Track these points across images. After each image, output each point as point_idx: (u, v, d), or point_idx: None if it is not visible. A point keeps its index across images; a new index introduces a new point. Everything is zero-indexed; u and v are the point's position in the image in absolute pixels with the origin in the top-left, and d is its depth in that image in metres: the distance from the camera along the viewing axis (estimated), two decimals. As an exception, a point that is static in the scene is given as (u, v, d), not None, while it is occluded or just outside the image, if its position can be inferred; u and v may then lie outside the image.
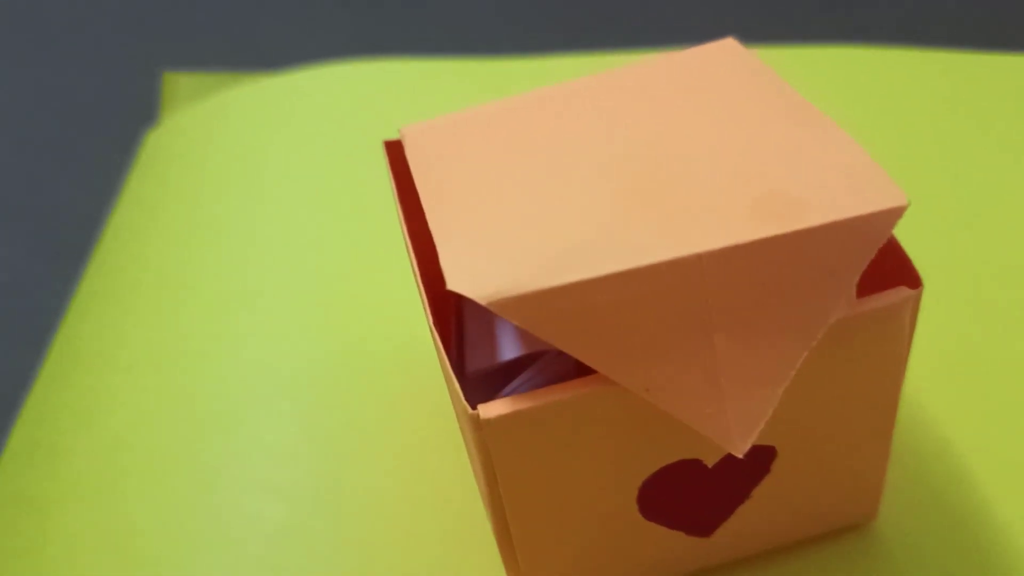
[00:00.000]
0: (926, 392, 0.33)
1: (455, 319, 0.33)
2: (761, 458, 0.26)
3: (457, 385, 0.23)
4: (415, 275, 0.26)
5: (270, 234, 0.43)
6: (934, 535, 0.29)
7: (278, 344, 0.38)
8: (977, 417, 0.32)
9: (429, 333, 0.32)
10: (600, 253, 0.22)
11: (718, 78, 0.27)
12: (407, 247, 0.26)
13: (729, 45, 0.29)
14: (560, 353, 0.30)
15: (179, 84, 0.52)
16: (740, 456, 0.23)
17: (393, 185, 0.28)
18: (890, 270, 0.25)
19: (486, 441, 0.23)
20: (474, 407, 0.23)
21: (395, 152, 0.30)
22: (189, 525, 0.32)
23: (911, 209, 0.40)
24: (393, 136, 0.47)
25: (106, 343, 0.40)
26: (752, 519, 0.27)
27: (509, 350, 0.31)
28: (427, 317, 0.25)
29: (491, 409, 0.22)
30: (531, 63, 0.51)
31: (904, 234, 0.39)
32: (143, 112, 0.53)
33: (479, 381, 0.32)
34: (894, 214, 0.22)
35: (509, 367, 0.32)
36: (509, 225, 0.23)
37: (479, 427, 0.23)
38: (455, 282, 0.22)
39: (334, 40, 0.58)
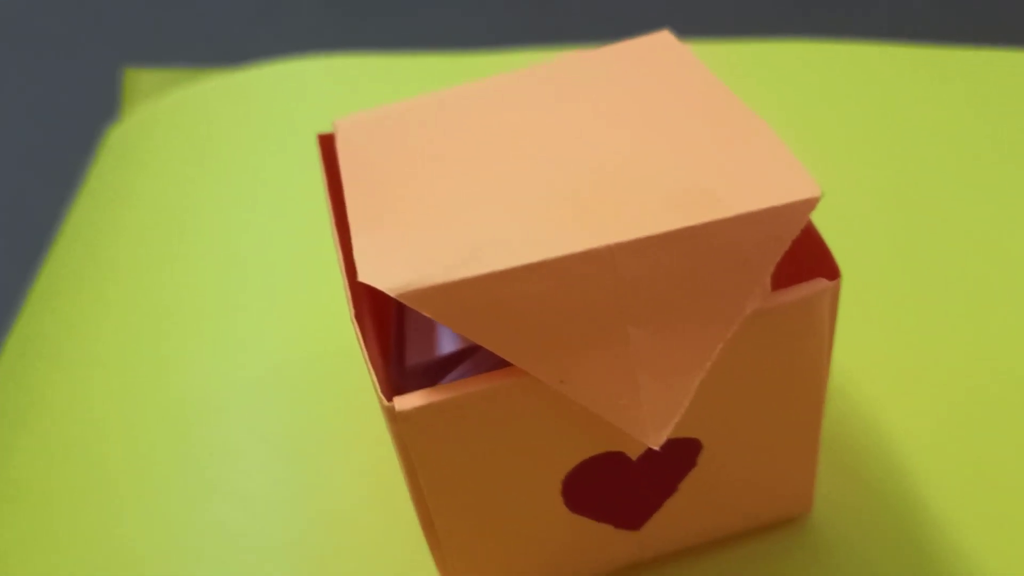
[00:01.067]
0: (859, 384, 0.33)
1: (395, 314, 0.33)
2: (685, 451, 0.26)
3: (375, 378, 0.23)
4: (341, 268, 0.26)
5: (230, 231, 0.43)
6: (870, 527, 0.29)
7: (233, 345, 0.38)
8: (910, 408, 0.32)
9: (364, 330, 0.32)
10: (514, 245, 0.22)
11: (647, 71, 0.27)
12: (334, 240, 0.26)
13: (663, 38, 0.29)
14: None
15: (140, 80, 0.52)
16: (657, 448, 0.23)
17: (324, 178, 0.28)
18: (810, 262, 0.25)
19: (402, 433, 0.23)
20: (390, 399, 0.23)
21: (329, 145, 0.30)
22: (139, 526, 0.32)
23: (840, 200, 0.40)
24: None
25: (60, 341, 0.40)
26: (682, 512, 0.27)
27: (448, 344, 0.31)
28: (350, 311, 0.25)
29: (406, 401, 0.22)
30: (491, 58, 0.51)
31: (837, 225, 0.39)
32: (105, 108, 0.53)
33: (419, 375, 0.32)
34: (807, 205, 0.22)
35: (448, 360, 0.32)
36: (426, 218, 0.23)
37: (395, 419, 0.23)
38: (366, 274, 0.22)
39: (296, 36, 0.58)
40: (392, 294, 0.21)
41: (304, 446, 0.34)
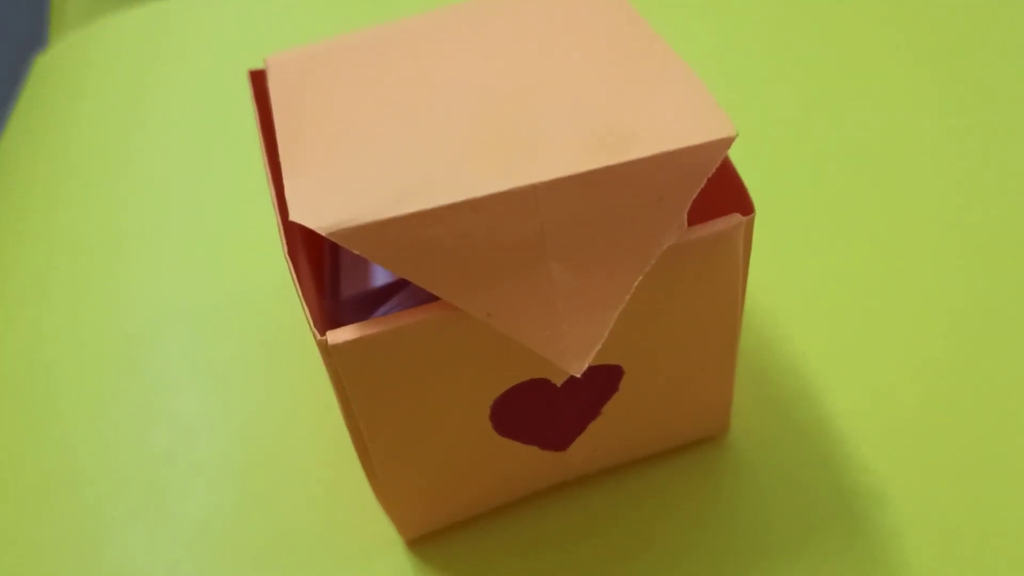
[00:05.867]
0: (776, 314, 0.35)
1: (329, 247, 0.34)
2: (608, 377, 0.27)
3: (308, 313, 0.24)
4: (274, 205, 0.26)
5: (164, 162, 0.43)
6: (782, 446, 0.31)
7: (166, 277, 0.39)
8: (823, 338, 0.34)
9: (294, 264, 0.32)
10: (441, 185, 0.23)
11: (574, 12, 0.28)
12: (267, 177, 0.27)
13: (592, -24, 0.30)
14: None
15: (66, 7, 0.51)
16: (578, 375, 0.24)
17: (256, 115, 0.29)
18: (727, 196, 0.26)
19: (335, 366, 0.24)
20: (324, 332, 0.24)
21: (260, 82, 0.30)
22: (76, 450, 0.33)
23: (761, 134, 0.42)
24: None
25: (-7, 272, 0.40)
26: (606, 434, 0.29)
27: (382, 275, 0.32)
28: (283, 248, 0.25)
29: (339, 335, 0.23)
30: (427, -14, 0.51)
31: (757, 158, 0.41)
32: (32, 36, 0.52)
33: (354, 305, 0.32)
34: (722, 145, 0.23)
35: (383, 292, 0.32)
36: (357, 158, 0.24)
37: (328, 352, 0.23)
38: (297, 213, 0.22)
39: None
40: (323, 233, 0.22)
41: (241, 376, 0.35)
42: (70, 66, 0.48)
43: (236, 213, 0.41)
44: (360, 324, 0.24)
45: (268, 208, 0.41)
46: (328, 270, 0.34)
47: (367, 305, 0.32)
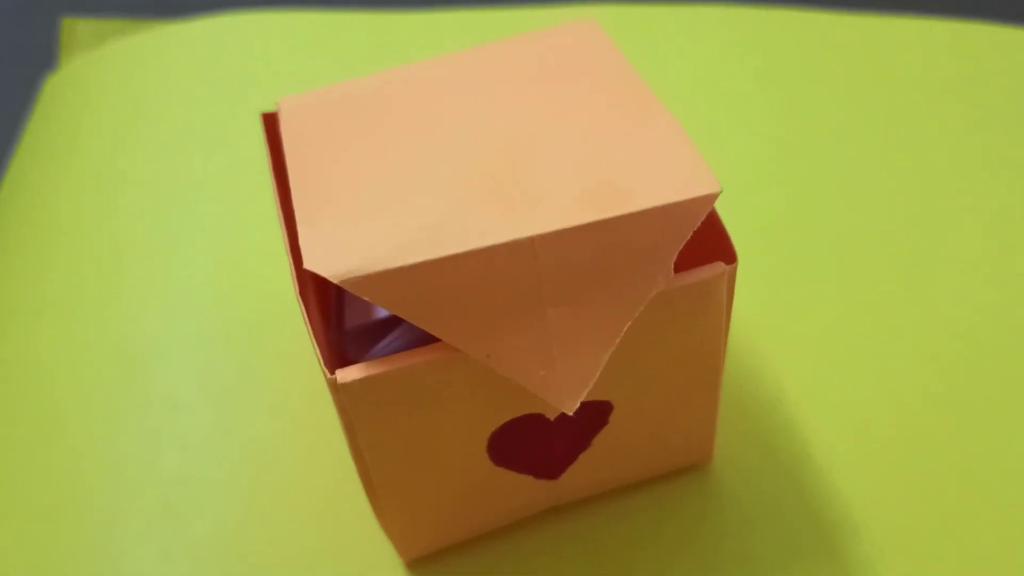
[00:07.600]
0: (759, 349, 0.37)
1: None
2: (599, 411, 0.29)
3: (319, 352, 0.25)
4: (285, 245, 0.28)
5: (169, 187, 0.45)
6: (762, 474, 0.33)
7: (174, 299, 0.40)
8: (805, 372, 0.36)
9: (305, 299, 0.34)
10: (445, 235, 0.24)
11: (571, 63, 0.30)
12: (279, 217, 0.28)
13: (589, 28, 0.31)
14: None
15: (77, 30, 0.52)
16: (570, 413, 0.26)
17: (268, 157, 0.30)
18: (712, 244, 0.28)
19: (344, 402, 0.25)
20: (332, 371, 0.25)
21: (272, 123, 0.31)
22: (88, 471, 0.35)
23: (748, 177, 0.43)
24: (287, 90, 0.49)
25: (5, 293, 0.41)
26: (595, 463, 0.30)
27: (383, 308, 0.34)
28: (295, 288, 0.27)
29: (348, 374, 0.25)
30: (438, 16, 0.53)
31: (747, 200, 0.42)
32: (42, 58, 0.54)
33: (357, 335, 0.34)
34: (707, 200, 0.25)
35: (386, 323, 0.34)
36: (366, 206, 0.25)
37: (337, 390, 0.25)
38: (311, 261, 0.24)
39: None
40: (335, 281, 0.23)
41: (249, 397, 0.37)
42: (80, 87, 0.50)
43: (245, 234, 0.42)
44: (367, 363, 0.25)
45: (276, 230, 0.42)
46: (334, 297, 0.36)
47: (370, 336, 0.34)
